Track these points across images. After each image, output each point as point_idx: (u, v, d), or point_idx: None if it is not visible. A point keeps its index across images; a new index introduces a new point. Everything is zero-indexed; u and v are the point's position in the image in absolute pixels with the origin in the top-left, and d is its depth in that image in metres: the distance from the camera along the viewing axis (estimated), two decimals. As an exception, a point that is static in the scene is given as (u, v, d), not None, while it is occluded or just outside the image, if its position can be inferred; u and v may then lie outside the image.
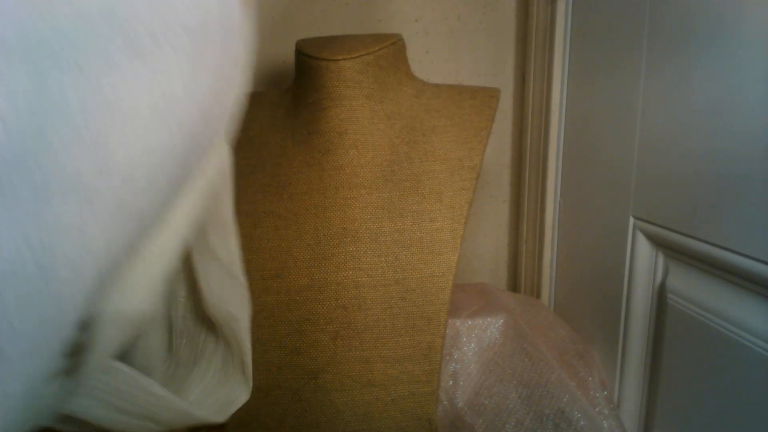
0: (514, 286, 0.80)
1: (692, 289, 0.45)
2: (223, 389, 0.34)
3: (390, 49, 0.47)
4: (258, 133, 0.49)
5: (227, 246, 0.31)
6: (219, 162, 0.26)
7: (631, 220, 0.51)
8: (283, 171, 0.47)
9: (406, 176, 0.46)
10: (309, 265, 0.45)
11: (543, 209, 0.68)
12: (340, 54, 0.45)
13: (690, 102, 0.43)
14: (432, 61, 0.72)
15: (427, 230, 0.44)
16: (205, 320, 0.35)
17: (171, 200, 0.21)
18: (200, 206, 0.25)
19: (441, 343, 0.44)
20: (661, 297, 0.49)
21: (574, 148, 0.62)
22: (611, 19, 0.53)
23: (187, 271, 0.32)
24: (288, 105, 0.50)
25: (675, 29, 0.44)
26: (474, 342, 0.56)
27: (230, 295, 0.33)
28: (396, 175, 0.46)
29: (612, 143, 0.54)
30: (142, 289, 0.22)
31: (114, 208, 0.17)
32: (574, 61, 0.61)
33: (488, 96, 0.50)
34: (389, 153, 0.46)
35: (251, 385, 0.36)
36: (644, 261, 0.51)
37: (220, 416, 0.33)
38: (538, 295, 0.71)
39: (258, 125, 0.50)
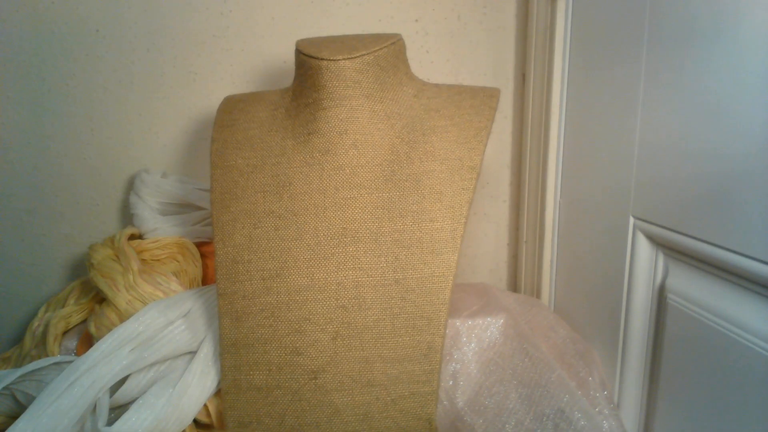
0: (514, 286, 0.81)
1: (692, 289, 0.45)
2: None
3: (390, 49, 0.47)
4: (258, 133, 0.49)
5: None
6: None
7: (631, 219, 0.51)
8: (283, 171, 0.47)
9: (406, 176, 0.46)
10: (309, 265, 0.45)
11: (543, 209, 0.68)
12: (340, 54, 0.45)
13: (690, 102, 0.43)
14: (432, 61, 0.72)
15: (427, 230, 0.44)
16: None
17: None
18: None
19: (441, 343, 0.44)
20: (661, 297, 0.49)
21: (574, 148, 0.62)
22: (611, 18, 0.53)
23: None
24: (288, 105, 0.50)
25: (675, 29, 0.44)
26: (474, 342, 0.56)
27: None
28: (396, 175, 0.46)
29: (612, 143, 0.54)
30: None
31: None
32: (574, 61, 0.61)
33: (488, 96, 0.50)
34: (389, 153, 0.46)
35: None
36: (644, 261, 0.51)
37: None
38: (538, 295, 0.71)
39: (258, 125, 0.50)
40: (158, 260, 0.60)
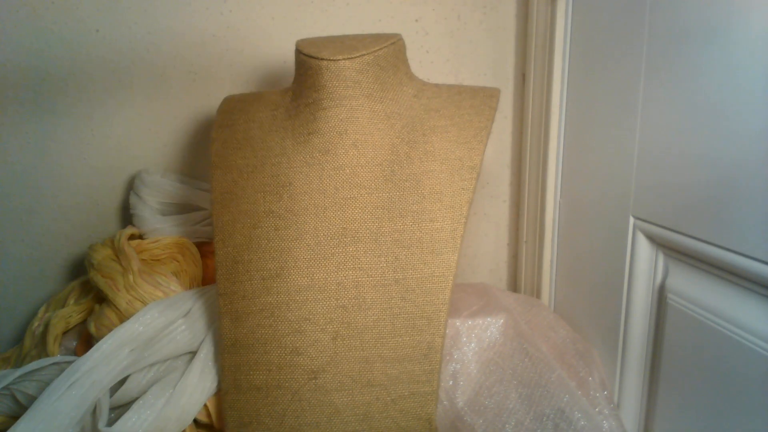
0: (514, 286, 0.80)
1: (692, 289, 0.45)
2: None
3: (390, 49, 0.47)
4: (258, 133, 0.49)
5: None
6: None
7: (631, 219, 0.51)
8: (283, 171, 0.47)
9: (406, 176, 0.46)
10: (309, 265, 0.45)
11: (543, 209, 0.68)
12: (340, 54, 0.45)
13: (690, 102, 0.43)
14: (432, 61, 0.72)
15: (427, 230, 0.44)
16: None
17: None
18: None
19: (441, 343, 0.44)
20: (661, 297, 0.49)
21: (574, 148, 0.62)
22: (611, 19, 0.53)
23: None
24: (288, 105, 0.50)
25: (675, 29, 0.44)
26: (474, 342, 0.56)
27: None
28: (396, 175, 0.46)
29: (612, 143, 0.54)
30: None
31: None
32: (574, 61, 0.61)
33: (488, 96, 0.50)
34: (389, 153, 0.46)
35: None
36: (644, 261, 0.51)
37: None
38: (538, 295, 0.71)
39: (258, 125, 0.50)
40: (158, 260, 0.60)
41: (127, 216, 0.69)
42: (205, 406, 0.47)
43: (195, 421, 0.47)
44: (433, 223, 0.44)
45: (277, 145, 0.48)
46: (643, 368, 0.52)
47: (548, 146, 0.65)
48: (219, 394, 0.47)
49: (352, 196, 0.45)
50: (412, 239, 0.44)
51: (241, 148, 0.48)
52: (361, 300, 0.44)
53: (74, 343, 0.55)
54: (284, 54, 0.69)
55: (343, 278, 0.44)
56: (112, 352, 0.45)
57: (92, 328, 0.52)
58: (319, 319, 0.44)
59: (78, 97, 0.67)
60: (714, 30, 0.40)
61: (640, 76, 0.48)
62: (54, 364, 0.46)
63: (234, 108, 0.52)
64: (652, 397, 0.51)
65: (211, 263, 0.64)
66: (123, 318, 0.50)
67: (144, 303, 0.51)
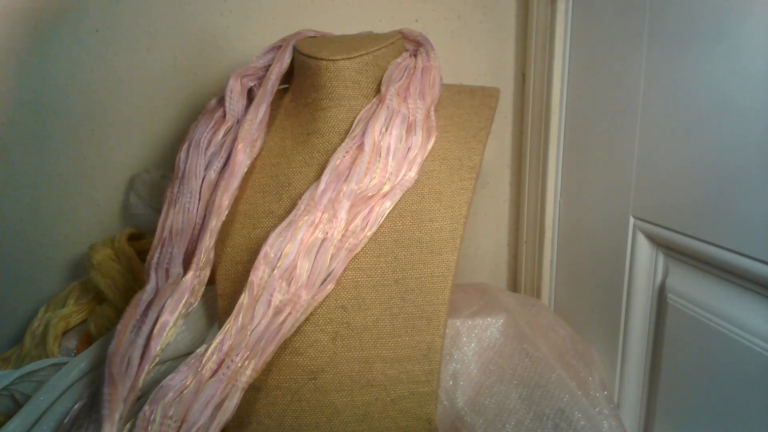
0: (514, 286, 0.80)
1: (692, 289, 0.45)
2: None
3: (389, 49, 0.47)
4: (257, 133, 0.49)
5: None
6: None
7: (631, 219, 0.51)
8: (283, 171, 0.47)
9: (406, 176, 0.45)
10: (308, 265, 0.44)
11: (543, 209, 0.68)
12: (339, 54, 0.45)
13: (690, 102, 0.43)
14: (432, 61, 0.72)
15: (427, 230, 0.44)
16: None
17: None
18: None
19: (440, 343, 0.44)
20: (661, 297, 0.49)
21: (574, 148, 0.62)
22: (611, 19, 0.53)
23: None
24: (287, 105, 0.50)
25: (675, 29, 0.44)
26: (474, 342, 0.56)
27: None
28: (395, 175, 0.46)
29: (612, 143, 0.54)
30: None
31: None
32: (574, 61, 0.61)
33: (487, 96, 0.50)
34: (389, 153, 0.46)
35: None
36: (644, 261, 0.51)
37: None
38: (538, 295, 0.71)
39: (257, 125, 0.49)
40: (158, 260, 0.60)
41: (127, 216, 0.69)
42: (205, 406, 0.47)
43: (194, 421, 0.47)
44: (433, 223, 0.44)
45: (276, 146, 0.48)
46: (643, 368, 0.52)
47: (548, 146, 0.65)
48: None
49: (351, 196, 0.45)
50: (411, 239, 0.44)
51: (241, 148, 0.48)
52: (360, 300, 0.44)
53: (74, 343, 0.55)
54: (284, 54, 0.69)
55: (343, 278, 0.44)
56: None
57: (92, 328, 0.52)
58: (319, 319, 0.44)
59: (78, 97, 0.67)
60: (714, 30, 0.40)
61: (640, 76, 0.48)
62: (53, 365, 0.46)
63: (233, 108, 0.52)
64: (652, 397, 0.51)
65: (211, 263, 0.63)
66: (123, 318, 0.50)
67: (144, 303, 0.51)
